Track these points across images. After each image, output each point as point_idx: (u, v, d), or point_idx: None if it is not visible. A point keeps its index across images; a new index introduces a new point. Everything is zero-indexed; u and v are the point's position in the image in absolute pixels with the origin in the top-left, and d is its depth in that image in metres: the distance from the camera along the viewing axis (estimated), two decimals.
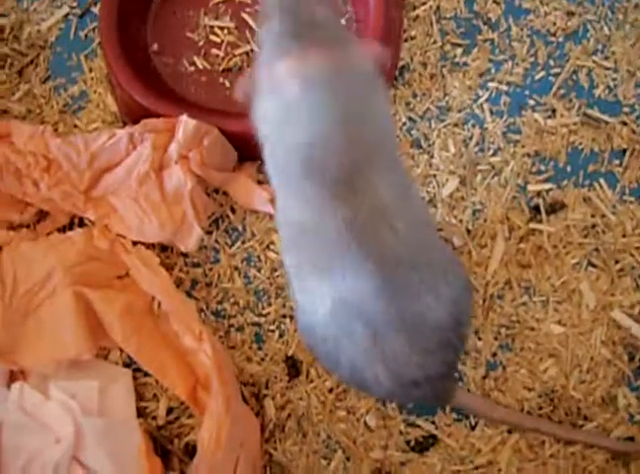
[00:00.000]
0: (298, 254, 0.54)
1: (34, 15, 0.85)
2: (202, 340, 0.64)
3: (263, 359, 0.70)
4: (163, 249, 0.74)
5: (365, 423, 0.68)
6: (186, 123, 0.68)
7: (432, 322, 0.53)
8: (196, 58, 0.80)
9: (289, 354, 0.70)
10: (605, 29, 0.81)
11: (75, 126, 0.80)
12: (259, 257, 0.74)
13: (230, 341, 0.71)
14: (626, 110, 0.78)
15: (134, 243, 0.71)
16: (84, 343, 0.64)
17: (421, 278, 0.52)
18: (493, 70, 0.80)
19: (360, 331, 0.52)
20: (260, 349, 0.71)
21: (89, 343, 0.65)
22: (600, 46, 0.80)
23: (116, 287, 0.69)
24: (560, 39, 0.80)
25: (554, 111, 0.77)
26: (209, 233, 0.75)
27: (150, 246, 0.72)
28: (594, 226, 0.73)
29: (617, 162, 0.75)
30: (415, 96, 0.79)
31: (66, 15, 0.85)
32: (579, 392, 0.67)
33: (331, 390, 0.69)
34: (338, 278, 0.51)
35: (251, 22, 0.81)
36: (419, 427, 0.67)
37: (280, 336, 0.71)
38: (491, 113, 0.78)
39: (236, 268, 0.73)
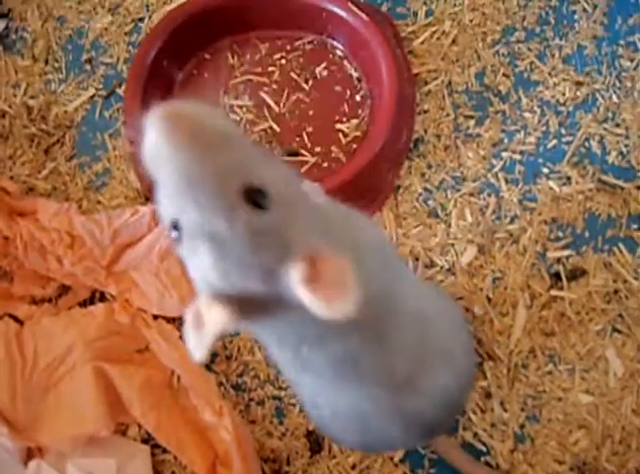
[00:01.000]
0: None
1: (61, 96, 0.90)
2: (222, 414, 0.64)
3: (284, 434, 0.70)
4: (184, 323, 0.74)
5: None
6: None
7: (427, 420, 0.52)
8: None
9: (311, 428, 0.70)
10: (614, 97, 0.83)
11: (99, 202, 0.82)
12: None
13: (250, 415, 0.71)
14: None
15: (155, 317, 0.72)
16: (103, 418, 0.65)
17: (434, 380, 0.51)
18: (506, 140, 0.81)
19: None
20: (281, 423, 0.70)
21: (108, 418, 0.65)
22: (610, 114, 0.82)
23: (135, 362, 0.70)
24: (570, 109, 0.82)
25: (569, 178, 0.79)
26: None
27: (171, 320, 0.73)
28: (616, 292, 0.73)
29: (635, 226, 0.76)
30: (430, 167, 0.81)
31: (92, 96, 0.90)
32: (611, 464, 0.66)
33: (354, 466, 0.68)
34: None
35: (269, 100, 0.85)
36: None
37: (301, 410, 0.70)
38: (506, 181, 0.79)
39: (256, 340, 0.73)
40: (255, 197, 0.33)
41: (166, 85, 0.85)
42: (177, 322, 0.73)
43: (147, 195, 0.81)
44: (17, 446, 0.65)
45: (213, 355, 0.73)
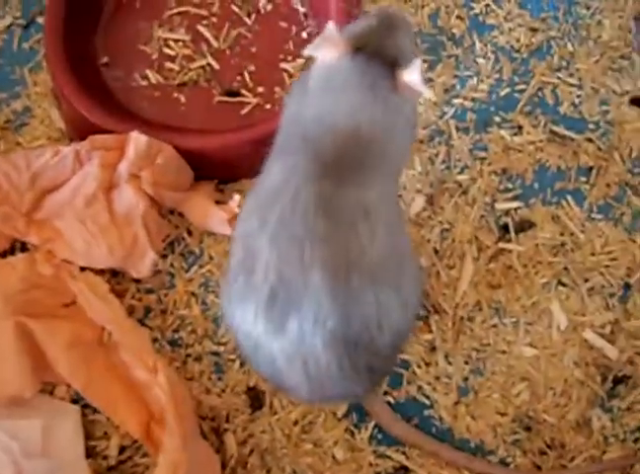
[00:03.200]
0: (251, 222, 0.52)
1: None
2: (157, 372, 0.62)
3: (223, 391, 0.68)
4: (114, 274, 0.71)
5: (333, 455, 0.66)
6: (137, 140, 0.66)
7: (371, 346, 0.52)
8: (149, 72, 0.79)
9: (251, 384, 0.68)
10: (569, 45, 0.83)
11: (18, 144, 0.78)
12: (217, 282, 0.72)
13: (188, 372, 0.69)
14: (591, 126, 0.79)
15: (82, 269, 0.69)
16: (26, 378, 0.62)
17: (376, 297, 0.50)
18: (458, 86, 0.81)
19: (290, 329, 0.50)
20: (220, 379, 0.69)
21: (32, 378, 0.62)
22: (564, 63, 0.82)
23: (61, 317, 0.67)
24: (524, 56, 0.82)
25: (520, 128, 0.78)
26: (164, 257, 0.73)
27: (100, 272, 0.70)
28: (563, 245, 0.74)
29: (584, 179, 0.77)
30: None
31: (9, 26, 0.84)
32: (552, 415, 0.67)
33: (296, 422, 0.67)
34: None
35: (207, 34, 0.81)
36: (389, 458, 0.66)
37: (241, 365, 0.69)
38: (457, 129, 0.78)
39: (193, 293, 0.72)
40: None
41: (93, 14, 0.80)
42: (106, 274, 0.71)
43: (72, 135, 0.76)
44: None
45: (147, 310, 0.71)
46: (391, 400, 0.68)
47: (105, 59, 0.80)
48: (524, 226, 0.74)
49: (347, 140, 0.51)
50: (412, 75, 0.51)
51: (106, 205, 0.67)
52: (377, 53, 0.52)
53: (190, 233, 0.74)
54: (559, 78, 0.81)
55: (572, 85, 0.81)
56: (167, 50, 0.80)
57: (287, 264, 0.49)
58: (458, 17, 0.84)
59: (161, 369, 0.62)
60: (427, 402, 0.68)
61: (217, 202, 0.73)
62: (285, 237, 0.49)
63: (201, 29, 0.81)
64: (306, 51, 0.52)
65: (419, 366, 0.69)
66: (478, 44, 0.82)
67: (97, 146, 0.67)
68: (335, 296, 0.48)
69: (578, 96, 0.80)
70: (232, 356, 0.69)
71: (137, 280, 0.71)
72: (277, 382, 0.56)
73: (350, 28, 0.56)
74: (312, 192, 0.49)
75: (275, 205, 0.50)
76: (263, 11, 0.82)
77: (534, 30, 0.83)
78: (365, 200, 0.51)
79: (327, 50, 0.52)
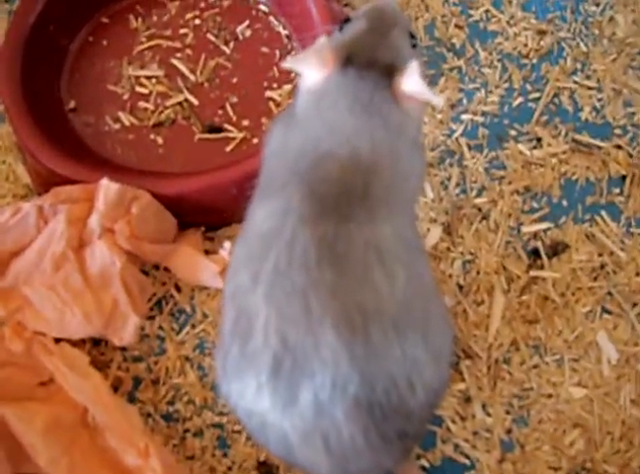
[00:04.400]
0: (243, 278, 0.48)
1: None
2: (149, 455, 0.59)
3: (230, 469, 0.65)
4: (95, 343, 0.69)
5: None
6: (107, 188, 0.65)
7: (402, 409, 0.47)
8: (121, 114, 0.79)
9: (262, 458, 0.65)
10: (582, 45, 0.83)
11: None
12: (214, 342, 0.69)
13: (187, 450, 0.66)
14: (618, 132, 0.78)
15: (57, 340, 0.66)
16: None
17: (403, 350, 0.46)
18: (465, 100, 0.80)
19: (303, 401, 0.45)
20: (225, 455, 0.66)
21: (7, 471, 0.60)
22: (578, 65, 0.82)
23: (37, 398, 0.64)
24: (534, 61, 0.82)
25: (539, 140, 0.78)
26: (151, 319, 0.71)
27: (79, 342, 0.67)
28: (602, 266, 0.72)
29: (617, 190, 0.76)
30: None
31: None
32: (613, 465, 0.64)
33: None
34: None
35: (182, 68, 0.81)
36: None
37: (249, 437, 0.65)
38: (469, 148, 0.78)
39: (187, 358, 0.69)
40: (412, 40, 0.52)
41: (55, 55, 0.80)
42: (86, 344, 0.68)
43: (40, 191, 0.74)
44: None
45: (136, 381, 0.68)
46: (426, 464, 0.64)
47: (72, 104, 0.79)
48: (557, 249, 0.72)
49: (345, 169, 0.47)
50: (411, 81, 0.47)
51: (77, 267, 0.65)
52: (371, 63, 0.48)
53: (178, 289, 0.72)
54: (576, 82, 0.81)
55: (591, 88, 0.80)
56: (139, 89, 0.80)
57: (291, 323, 0.44)
58: (457, 26, 0.84)
59: (154, 452, 0.59)
60: (467, 462, 0.65)
61: (207, 252, 0.71)
62: (284, 291, 0.45)
63: (176, 62, 0.81)
64: (286, 63, 0.48)
65: (453, 421, 0.66)
66: (482, 53, 0.82)
67: (62, 199, 0.66)
68: (353, 356, 0.44)
69: (599, 99, 0.80)
70: (238, 428, 0.66)
71: (123, 348, 0.69)
72: (291, 461, 0.51)
73: (337, 35, 0.53)
74: (311, 235, 0.45)
75: (267, 255, 0.46)
76: (241, 37, 0.82)
77: (542, 32, 0.83)
78: (377, 239, 0.46)
79: (313, 66, 0.48)
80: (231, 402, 0.49)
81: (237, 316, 0.47)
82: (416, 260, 0.50)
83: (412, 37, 0.52)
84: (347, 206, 0.46)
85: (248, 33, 0.82)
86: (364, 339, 0.44)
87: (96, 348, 0.69)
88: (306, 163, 0.48)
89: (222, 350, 0.49)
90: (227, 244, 0.69)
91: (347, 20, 0.52)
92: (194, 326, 0.70)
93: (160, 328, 0.70)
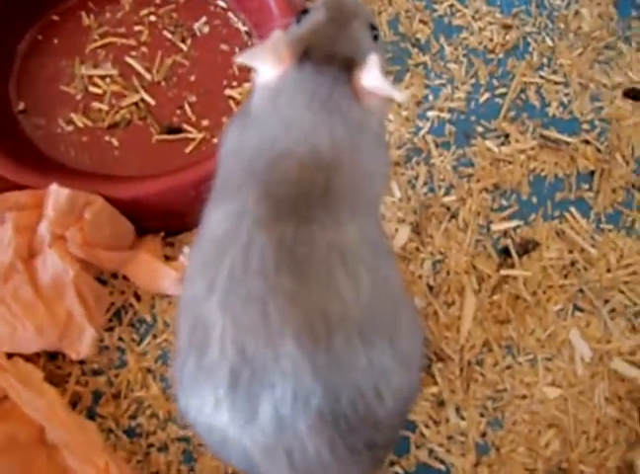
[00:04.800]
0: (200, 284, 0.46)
1: None
2: None
3: None
4: (51, 357, 0.67)
5: None
6: (57, 194, 0.63)
7: (370, 419, 0.45)
8: (74, 116, 0.77)
9: (229, 472, 0.64)
10: (548, 40, 0.84)
11: None
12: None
13: (152, 465, 0.65)
14: (586, 127, 0.79)
15: (9, 355, 0.64)
16: None
17: (369, 358, 0.45)
18: (431, 97, 0.81)
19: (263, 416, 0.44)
20: (191, 470, 0.65)
21: None
22: (545, 60, 0.83)
23: None
24: (500, 56, 0.83)
25: (507, 136, 0.78)
26: (110, 330, 0.69)
27: (34, 356, 0.66)
28: (573, 264, 0.72)
29: (586, 186, 0.76)
30: None
31: None
32: (589, 464, 0.64)
33: None
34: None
35: (138, 66, 0.79)
36: None
37: None
38: (436, 145, 0.78)
39: (149, 370, 0.68)
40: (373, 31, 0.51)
41: (2, 56, 0.78)
42: (41, 357, 0.66)
43: None
44: None
45: (96, 395, 0.67)
46: (400, 471, 0.64)
47: (21, 106, 0.77)
48: (528, 247, 0.73)
49: (304, 168, 0.46)
50: (371, 76, 0.45)
51: (27, 277, 0.63)
52: (329, 56, 0.47)
53: (138, 298, 0.70)
54: (542, 77, 0.81)
55: (557, 83, 0.81)
56: (93, 89, 0.78)
57: (248, 333, 0.43)
58: (421, 21, 0.84)
59: (115, 470, 0.57)
60: (442, 467, 0.64)
61: (167, 258, 0.70)
62: (240, 299, 0.43)
63: (131, 61, 0.80)
64: (240, 58, 0.46)
65: (427, 426, 0.66)
66: (447, 49, 0.83)
67: (9, 206, 0.64)
68: (316, 366, 0.42)
69: (566, 94, 0.81)
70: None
71: (81, 362, 0.67)
72: None
73: (294, 28, 0.52)
74: (268, 238, 0.43)
75: (222, 260, 0.44)
76: (199, 34, 0.81)
77: (507, 27, 0.84)
78: (341, 241, 0.45)
79: (268, 62, 0.47)
80: (190, 417, 0.47)
81: (193, 327, 0.45)
82: (382, 262, 0.49)
83: (373, 28, 0.51)
84: (307, 207, 0.45)
85: (206, 29, 0.81)
86: (327, 348, 0.43)
87: (52, 361, 0.67)
88: (262, 163, 0.46)
89: (179, 362, 0.47)
90: (187, 249, 0.68)
91: (304, 11, 0.51)
92: (155, 336, 0.69)
93: (120, 339, 0.69)
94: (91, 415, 0.66)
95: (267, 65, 0.47)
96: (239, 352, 0.42)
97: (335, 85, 0.46)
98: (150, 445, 0.65)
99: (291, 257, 0.43)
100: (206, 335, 0.43)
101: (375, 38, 0.51)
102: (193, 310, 0.45)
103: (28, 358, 0.65)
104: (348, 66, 0.47)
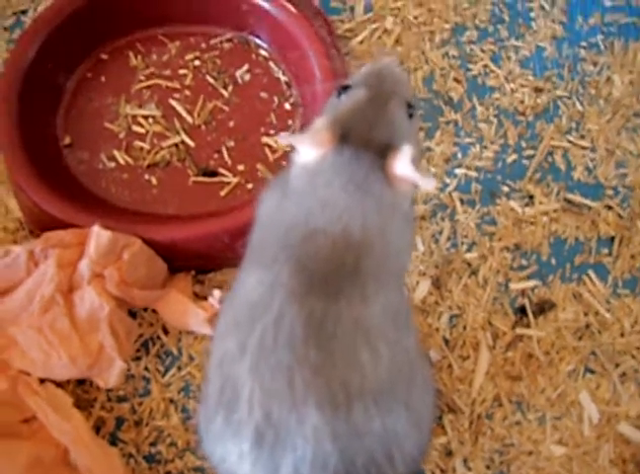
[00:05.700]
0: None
1: None
2: None
3: None
4: (80, 382, 0.71)
5: None
6: (99, 235, 0.66)
7: None
8: (116, 152, 0.81)
9: None
10: (578, 105, 0.85)
11: None
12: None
13: None
14: (609, 192, 0.81)
15: (42, 381, 0.67)
16: None
17: (383, 424, 0.48)
18: (460, 155, 0.82)
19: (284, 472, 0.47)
20: None
21: None
22: (573, 124, 0.84)
23: (21, 435, 0.65)
24: (530, 118, 0.84)
25: (531, 197, 0.80)
26: (137, 360, 0.72)
27: (63, 384, 0.69)
28: (588, 326, 0.74)
29: (605, 251, 0.78)
30: None
31: None
32: None
33: None
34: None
35: (180, 109, 0.82)
36: None
37: None
38: (461, 202, 0.80)
39: (172, 400, 0.71)
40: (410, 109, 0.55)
41: (52, 91, 0.82)
42: (70, 382, 0.69)
43: (31, 226, 0.77)
44: None
45: (119, 422, 0.70)
46: None
47: (67, 140, 0.81)
48: (544, 308, 0.75)
49: (336, 246, 0.49)
50: (402, 165, 0.49)
51: (65, 310, 0.66)
52: (367, 141, 0.50)
53: (166, 331, 0.74)
54: (570, 141, 0.83)
55: (584, 148, 0.83)
56: (136, 128, 0.82)
57: (275, 398, 0.46)
58: (455, 79, 0.86)
59: None
60: None
61: (196, 295, 0.73)
62: (269, 366, 0.46)
63: (174, 103, 0.83)
64: (283, 139, 0.51)
65: None
66: (479, 108, 0.85)
67: (53, 244, 0.67)
68: (336, 434, 0.46)
69: (592, 159, 0.83)
70: None
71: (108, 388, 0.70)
72: None
73: (334, 104, 0.55)
74: (298, 312, 0.47)
75: (254, 326, 0.48)
76: (241, 81, 0.84)
77: (539, 90, 0.86)
78: (366, 319, 0.48)
79: (309, 145, 0.50)
80: (213, 461, 0.51)
81: (223, 385, 0.49)
82: (402, 334, 0.51)
83: (409, 106, 0.54)
84: (336, 284, 0.48)
85: (247, 77, 0.83)
86: (347, 416, 0.46)
87: (80, 386, 0.70)
88: (297, 237, 0.49)
89: (206, 413, 0.51)
90: (217, 292, 0.70)
91: (345, 87, 0.54)
92: (179, 368, 0.72)
93: (146, 369, 0.71)
94: (113, 439, 0.68)
95: (307, 147, 0.50)
96: (265, 414, 0.46)
97: (370, 170, 0.49)
98: (168, 473, 0.68)
99: (319, 332, 0.46)
100: (236, 395, 0.47)
101: (411, 116, 0.54)
102: (224, 368, 0.49)
103: (58, 383, 0.67)
104: (383, 152, 0.50)
